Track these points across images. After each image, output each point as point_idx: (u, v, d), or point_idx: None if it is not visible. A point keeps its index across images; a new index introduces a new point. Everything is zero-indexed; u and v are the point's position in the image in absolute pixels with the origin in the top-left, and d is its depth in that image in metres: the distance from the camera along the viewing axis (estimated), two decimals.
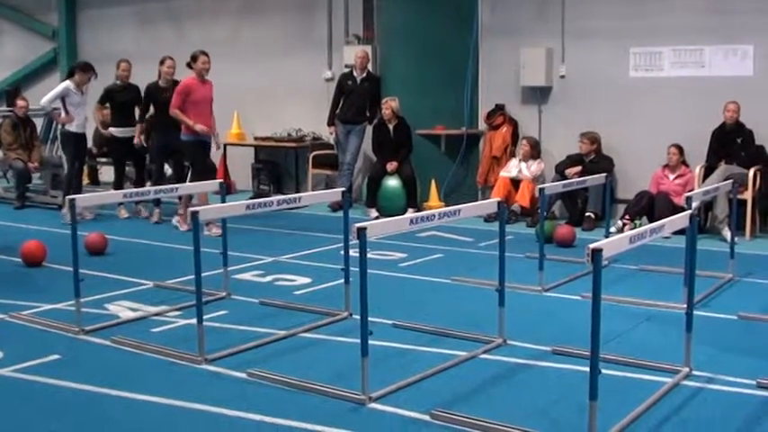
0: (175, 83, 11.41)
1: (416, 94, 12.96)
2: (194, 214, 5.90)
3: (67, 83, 11.95)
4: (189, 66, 10.87)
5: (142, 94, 12.12)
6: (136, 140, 12.03)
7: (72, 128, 11.92)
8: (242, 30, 15.39)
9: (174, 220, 11.42)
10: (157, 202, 11.94)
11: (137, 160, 12.57)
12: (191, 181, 11.05)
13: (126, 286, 8.08)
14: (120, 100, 12.29)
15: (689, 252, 5.72)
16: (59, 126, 12.40)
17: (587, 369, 4.39)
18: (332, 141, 13.85)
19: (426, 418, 4.90)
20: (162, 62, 11.72)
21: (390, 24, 13.38)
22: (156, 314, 7.17)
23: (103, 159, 15.48)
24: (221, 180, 8.32)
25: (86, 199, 8.05)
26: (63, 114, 11.93)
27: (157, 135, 11.81)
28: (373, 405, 5.09)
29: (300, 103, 14.52)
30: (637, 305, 7.39)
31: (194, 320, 6.00)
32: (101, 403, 5.18)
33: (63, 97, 11.85)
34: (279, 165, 14.92)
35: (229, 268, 7.78)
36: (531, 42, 12.62)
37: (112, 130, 12.37)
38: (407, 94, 12.85)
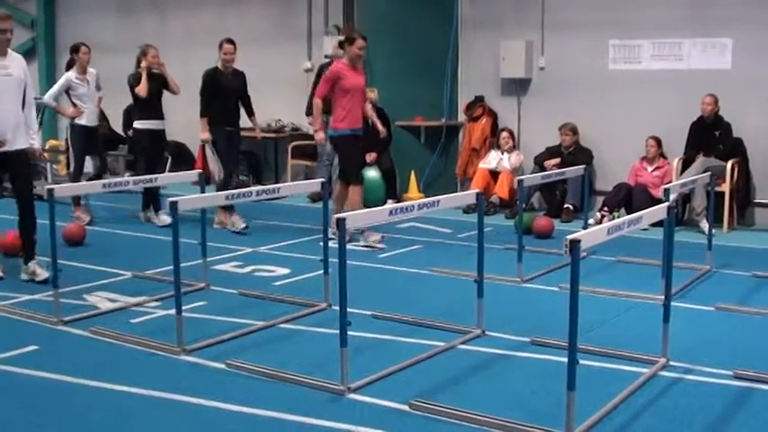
0: (235, 70, 10.81)
1: (396, 86, 12.94)
2: (173, 204, 5.88)
3: (68, 74, 11.28)
4: (340, 46, 9.96)
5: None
6: (205, 136, 10.60)
7: (81, 121, 11.18)
8: (222, 20, 15.33)
9: (362, 241, 9.78)
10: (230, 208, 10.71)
11: (159, 155, 11.58)
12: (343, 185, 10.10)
13: (105, 277, 8.06)
14: (149, 90, 10.99)
15: (666, 244, 5.75)
16: (69, 120, 11.45)
17: (565, 359, 4.41)
18: (311, 132, 13.83)
19: (405, 408, 4.91)
20: (219, 47, 10.72)
21: (370, 15, 13.36)
22: (135, 305, 7.16)
23: None
24: (200, 170, 8.29)
25: (65, 189, 8.01)
26: (71, 108, 11.24)
27: (217, 128, 10.67)
28: (352, 395, 5.10)
29: (280, 94, 14.44)
30: (615, 296, 7.43)
31: (173, 311, 5.99)
32: (79, 394, 5.17)
33: (68, 90, 11.23)
34: (258, 155, 14.90)
35: (208, 259, 7.77)
36: (510, 34, 12.64)
37: (138, 123, 11.17)
38: (387, 86, 12.84)
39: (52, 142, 16.00)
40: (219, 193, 6.66)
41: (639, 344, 5.96)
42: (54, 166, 14.01)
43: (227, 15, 15.34)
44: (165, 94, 11.18)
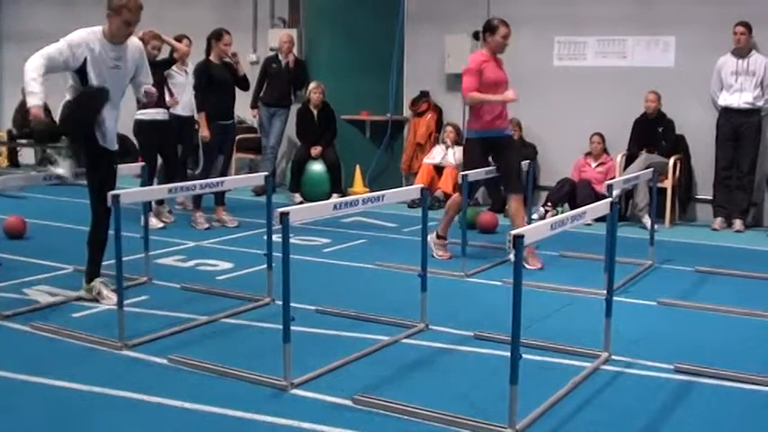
0: (226, 64, 10.41)
1: (341, 79, 12.93)
2: (115, 197, 5.82)
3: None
4: (477, 37, 8.73)
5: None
6: (205, 133, 10.21)
7: (177, 111, 10.72)
8: (165, 11, 15.17)
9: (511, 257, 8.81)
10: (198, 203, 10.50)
11: (171, 150, 10.77)
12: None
13: (45, 271, 7.96)
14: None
15: (609, 239, 5.79)
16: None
17: (508, 354, 4.42)
18: (255, 125, 13.79)
19: (349, 403, 4.90)
20: (219, 37, 10.27)
21: (316, 8, 13.33)
22: (76, 299, 7.07)
23: (24, 141, 15.23)
24: (143, 163, 8.21)
25: (3, 181, 7.87)
26: (168, 97, 10.59)
27: (211, 123, 10.25)
28: (295, 391, 5.08)
29: None
30: (558, 291, 7.47)
31: (115, 306, 5.93)
32: (19, 390, 5.09)
33: (165, 78, 10.57)
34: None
35: (151, 253, 7.70)
36: (455, 29, 12.66)
37: (139, 114, 10.34)
38: (332, 79, 12.82)
39: None
40: (162, 186, 6.57)
41: (582, 338, 6.00)
42: None
43: (168, 7, 15.18)
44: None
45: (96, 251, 6.92)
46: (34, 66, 6.27)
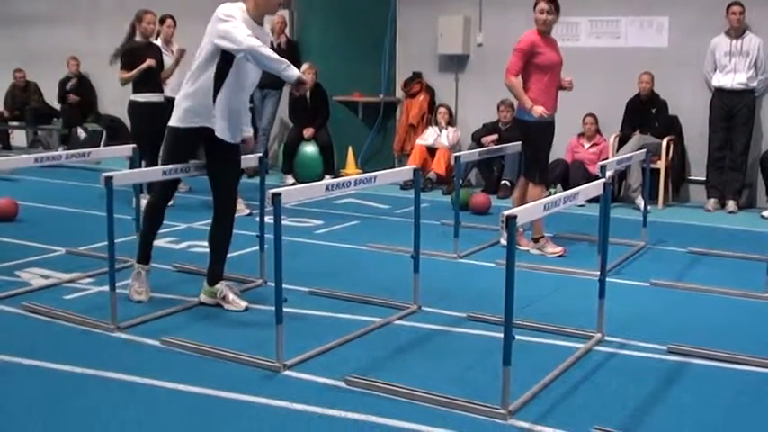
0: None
1: (334, 61, 12.91)
2: (108, 179, 5.80)
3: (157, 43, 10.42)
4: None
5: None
6: None
7: (167, 92, 10.15)
8: None
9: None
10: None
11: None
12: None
13: (37, 253, 7.94)
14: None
15: (602, 220, 5.78)
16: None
17: (501, 335, 4.42)
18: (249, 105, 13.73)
19: (341, 384, 4.89)
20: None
21: None
22: (69, 281, 7.06)
23: (16, 123, 15.18)
24: (134, 145, 8.15)
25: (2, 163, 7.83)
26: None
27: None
28: (288, 372, 5.07)
29: None
30: (550, 272, 7.47)
31: (107, 287, 5.92)
32: (11, 372, 5.08)
33: None
34: None
35: None
36: (448, 10, 12.63)
37: (138, 96, 10.11)
38: (325, 60, 12.79)
39: None
40: (155, 168, 6.53)
41: (575, 319, 6.00)
42: None
43: None
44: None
45: (221, 251, 6.56)
46: (255, 42, 5.81)
